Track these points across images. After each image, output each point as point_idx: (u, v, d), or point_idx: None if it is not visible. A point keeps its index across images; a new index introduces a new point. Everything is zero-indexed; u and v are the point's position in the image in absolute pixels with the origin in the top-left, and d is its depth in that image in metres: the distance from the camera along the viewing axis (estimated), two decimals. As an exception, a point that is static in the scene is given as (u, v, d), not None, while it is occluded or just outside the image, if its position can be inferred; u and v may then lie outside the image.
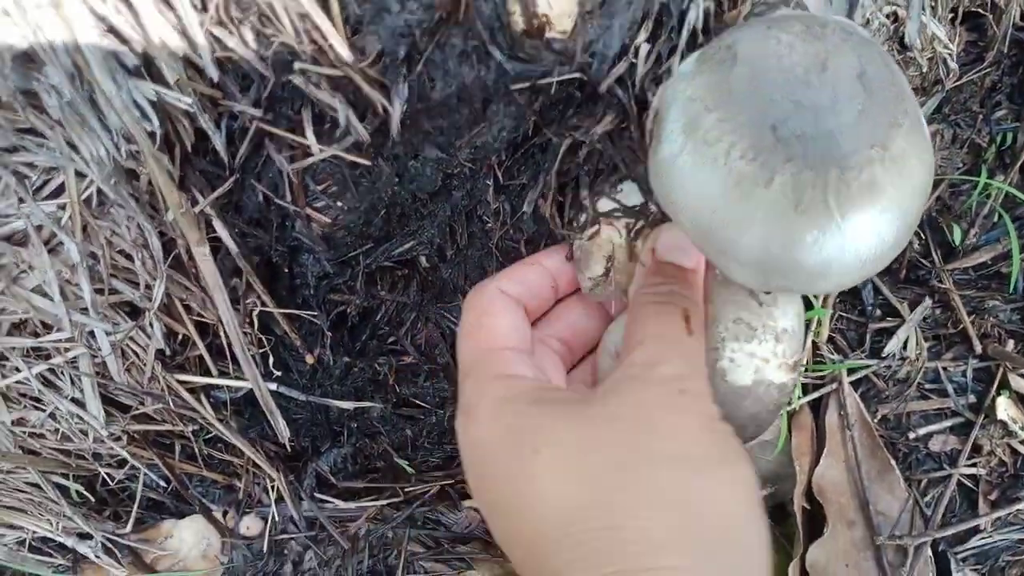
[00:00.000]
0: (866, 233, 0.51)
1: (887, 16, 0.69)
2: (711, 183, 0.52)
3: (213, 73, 0.63)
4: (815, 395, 0.88)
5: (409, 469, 0.93)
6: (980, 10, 0.82)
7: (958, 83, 0.87)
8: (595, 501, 0.50)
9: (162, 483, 0.90)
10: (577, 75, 0.69)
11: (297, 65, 0.65)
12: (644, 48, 0.68)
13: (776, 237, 0.52)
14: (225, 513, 0.92)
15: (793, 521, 0.85)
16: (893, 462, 0.85)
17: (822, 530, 0.83)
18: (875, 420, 0.88)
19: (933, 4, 0.72)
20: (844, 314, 0.93)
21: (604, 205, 0.72)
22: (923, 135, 0.53)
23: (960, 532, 0.84)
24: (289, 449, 0.85)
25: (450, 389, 0.90)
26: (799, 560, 0.81)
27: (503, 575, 0.89)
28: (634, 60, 0.68)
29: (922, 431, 0.88)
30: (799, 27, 0.52)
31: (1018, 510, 0.83)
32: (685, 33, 0.67)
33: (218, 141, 0.68)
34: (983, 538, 0.84)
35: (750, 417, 0.62)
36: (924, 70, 0.72)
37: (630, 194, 0.72)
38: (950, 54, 0.74)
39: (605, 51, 0.69)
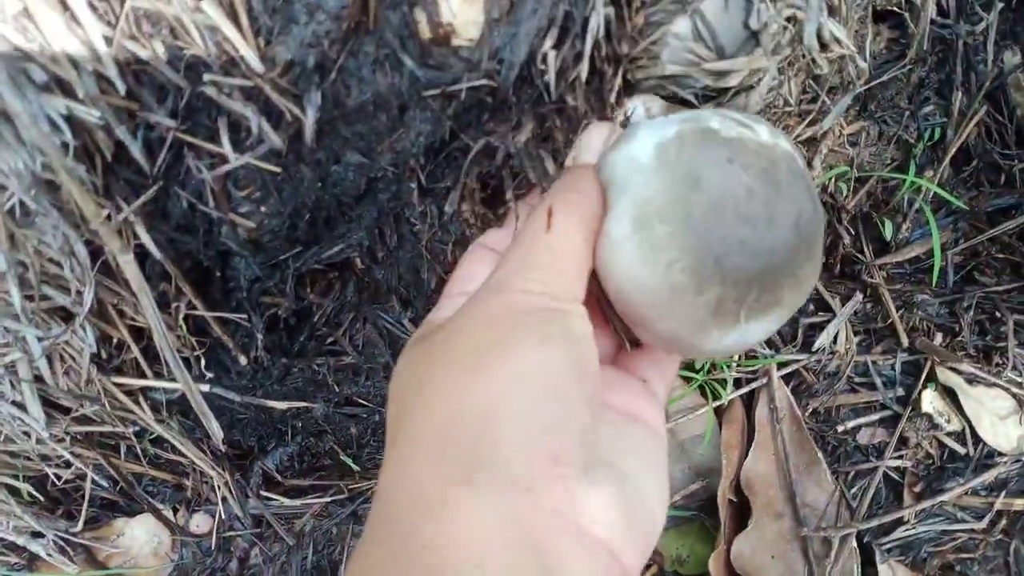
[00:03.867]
0: (760, 331, 0.59)
1: (786, 19, 0.70)
2: (648, 277, 0.56)
3: (121, 87, 0.65)
4: (746, 389, 0.90)
5: (355, 467, 0.95)
6: (896, 8, 0.84)
7: (882, 80, 0.89)
8: (396, 413, 0.53)
9: (111, 483, 0.93)
10: (485, 82, 0.71)
11: (207, 76, 0.67)
12: (551, 55, 0.70)
13: (688, 330, 0.58)
14: (175, 510, 0.95)
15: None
16: (820, 455, 0.87)
17: (748, 520, 0.85)
18: (805, 414, 0.89)
19: (836, 4, 0.74)
20: (777, 310, 0.94)
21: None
22: (820, 253, 0.60)
23: (885, 524, 0.85)
24: (224, 450, 0.88)
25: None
26: (721, 552, 0.83)
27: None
28: (542, 66, 0.70)
29: (851, 424, 0.90)
30: (758, 167, 0.55)
31: (942, 502, 0.84)
32: (589, 40, 0.69)
33: (136, 151, 0.70)
34: (907, 529, 0.85)
35: None
36: (825, 71, 0.74)
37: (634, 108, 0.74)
38: (855, 54, 0.75)
39: (512, 58, 0.71)
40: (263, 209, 0.77)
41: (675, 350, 0.63)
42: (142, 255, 0.76)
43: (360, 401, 0.93)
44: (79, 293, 0.75)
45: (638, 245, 0.55)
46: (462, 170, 0.78)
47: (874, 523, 0.85)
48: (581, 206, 0.58)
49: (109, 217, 0.73)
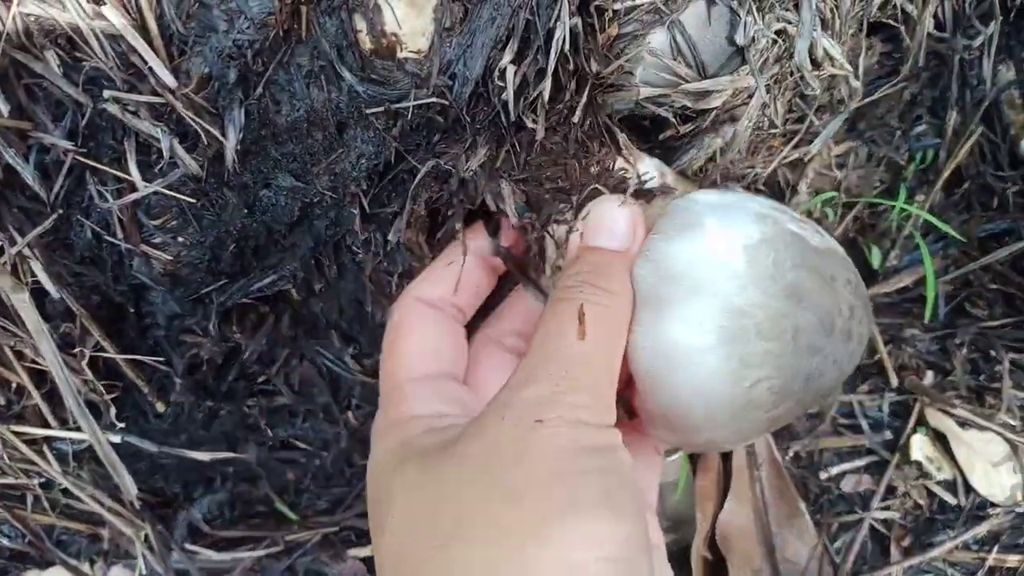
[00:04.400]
0: None
1: (776, 33, 0.62)
2: (724, 391, 0.50)
3: (3, 108, 0.56)
4: (722, 433, 0.82)
5: (292, 516, 0.86)
6: (891, 21, 0.76)
7: (873, 98, 0.82)
8: (415, 561, 0.44)
9: (18, 534, 0.83)
10: (435, 99, 0.62)
11: (108, 93, 0.58)
12: (510, 70, 0.61)
13: (735, 439, 0.54)
14: (92, 563, 0.85)
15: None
16: (803, 505, 0.80)
17: (724, 580, 0.78)
18: (786, 458, 0.82)
19: (829, 18, 0.66)
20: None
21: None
22: None
23: (871, 581, 0.79)
24: (140, 504, 0.78)
25: (331, 431, 0.84)
26: (695, 617, 0.76)
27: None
28: (500, 83, 0.62)
29: (835, 470, 0.83)
30: (853, 282, 0.53)
31: (931, 558, 0.78)
32: (553, 55, 0.61)
33: (29, 176, 0.60)
34: (895, 588, 0.78)
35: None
36: (816, 92, 0.66)
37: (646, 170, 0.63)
38: (850, 73, 0.67)
39: (466, 73, 0.62)
40: (180, 239, 0.67)
41: (685, 446, 0.58)
42: (42, 290, 0.66)
43: (298, 444, 0.84)
44: (-33, 336, 0.65)
45: (725, 358, 0.49)
46: (408, 195, 0.69)
47: (860, 581, 0.78)
48: (615, 310, 0.50)
49: (1, 250, 0.63)
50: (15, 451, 0.72)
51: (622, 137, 0.67)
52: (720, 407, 0.51)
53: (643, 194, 0.60)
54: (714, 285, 0.50)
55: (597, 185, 0.60)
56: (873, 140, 0.85)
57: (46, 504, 0.78)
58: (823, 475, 0.82)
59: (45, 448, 0.74)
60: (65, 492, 0.80)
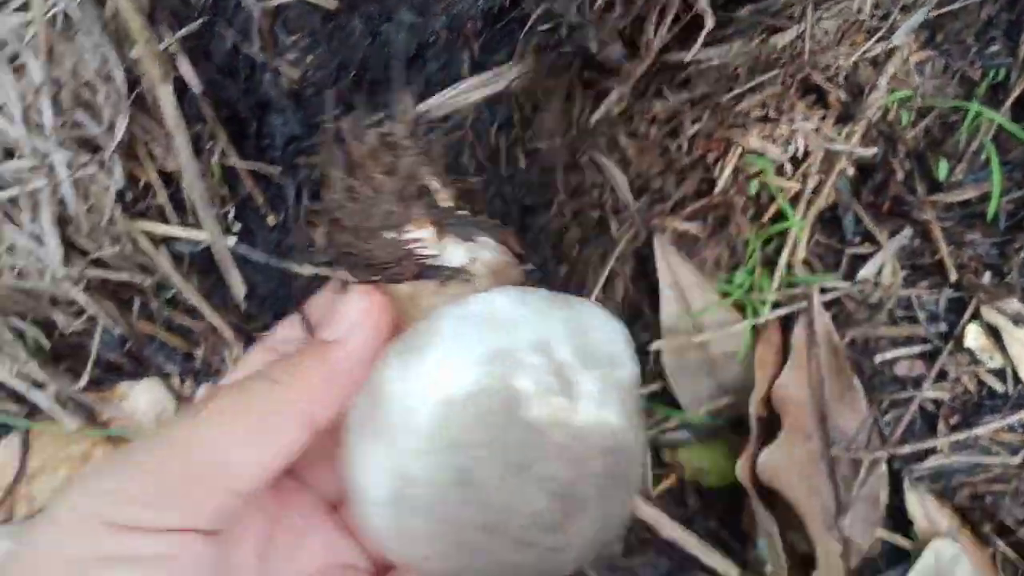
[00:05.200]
0: None
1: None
2: (403, 555, 0.45)
3: None
4: (784, 311, 0.87)
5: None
6: (978, -74, 0.81)
7: (952, 8, 0.86)
8: None
9: (119, 343, 0.89)
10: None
11: None
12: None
13: None
14: (182, 381, 0.92)
15: (747, 431, 0.84)
16: (857, 381, 0.84)
17: (776, 437, 0.82)
18: (843, 342, 0.86)
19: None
20: (822, 239, 0.91)
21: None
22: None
23: (917, 451, 0.82)
24: (245, 317, 0.84)
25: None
26: (749, 460, 0.80)
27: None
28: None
29: (889, 355, 0.86)
30: (559, 480, 0.42)
31: (976, 435, 0.81)
32: None
33: (186, -28, 0.67)
34: (939, 459, 0.82)
35: None
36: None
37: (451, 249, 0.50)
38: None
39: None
40: (309, 59, 0.74)
41: None
42: (180, 92, 0.73)
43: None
44: (111, 125, 0.72)
45: (393, 519, 0.43)
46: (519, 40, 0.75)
47: (906, 449, 0.82)
48: (254, 396, 0.42)
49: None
50: (135, 246, 0.79)
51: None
52: (404, 559, 0.46)
53: (440, 272, 0.50)
54: (393, 433, 0.42)
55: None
56: (949, 53, 0.89)
57: (153, 308, 0.85)
58: (878, 359, 0.86)
59: (163, 248, 0.80)
60: (168, 303, 0.87)
